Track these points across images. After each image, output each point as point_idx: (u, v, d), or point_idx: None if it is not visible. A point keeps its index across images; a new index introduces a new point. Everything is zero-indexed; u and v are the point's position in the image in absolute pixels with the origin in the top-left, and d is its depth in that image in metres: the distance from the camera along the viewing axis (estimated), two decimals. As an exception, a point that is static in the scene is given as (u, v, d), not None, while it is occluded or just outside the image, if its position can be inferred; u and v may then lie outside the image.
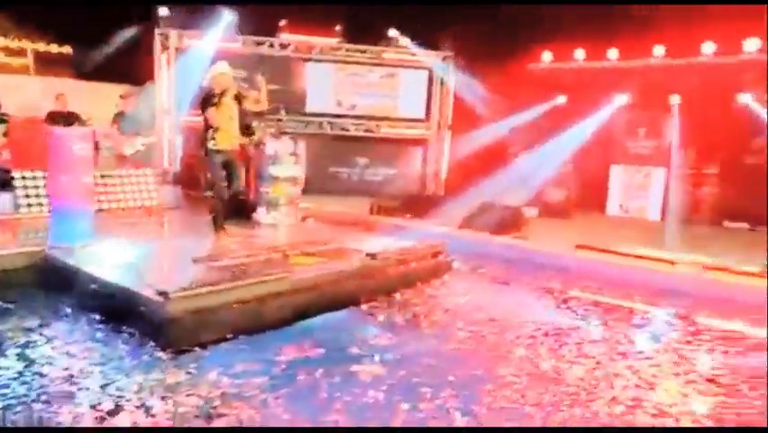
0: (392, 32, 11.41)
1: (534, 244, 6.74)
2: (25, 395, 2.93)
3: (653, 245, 6.76)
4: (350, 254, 5.24)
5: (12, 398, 2.90)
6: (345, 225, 7.15)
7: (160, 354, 3.49)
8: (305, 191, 10.64)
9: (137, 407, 2.86)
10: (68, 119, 8.44)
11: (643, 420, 2.91)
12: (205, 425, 2.74)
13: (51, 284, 4.49)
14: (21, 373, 3.17)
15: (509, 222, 7.51)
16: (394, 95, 11.71)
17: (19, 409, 2.78)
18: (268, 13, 10.93)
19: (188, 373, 3.27)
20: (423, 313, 4.60)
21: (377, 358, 3.63)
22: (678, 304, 4.91)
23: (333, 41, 11.35)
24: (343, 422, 2.81)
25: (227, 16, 10.73)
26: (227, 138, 5.69)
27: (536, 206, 10.04)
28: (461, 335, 4.16)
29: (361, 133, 11.66)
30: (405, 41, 11.31)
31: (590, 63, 10.89)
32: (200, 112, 5.81)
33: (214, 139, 5.65)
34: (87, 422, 2.70)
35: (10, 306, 4.16)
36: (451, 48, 11.56)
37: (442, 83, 11.71)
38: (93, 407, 2.83)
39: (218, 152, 5.67)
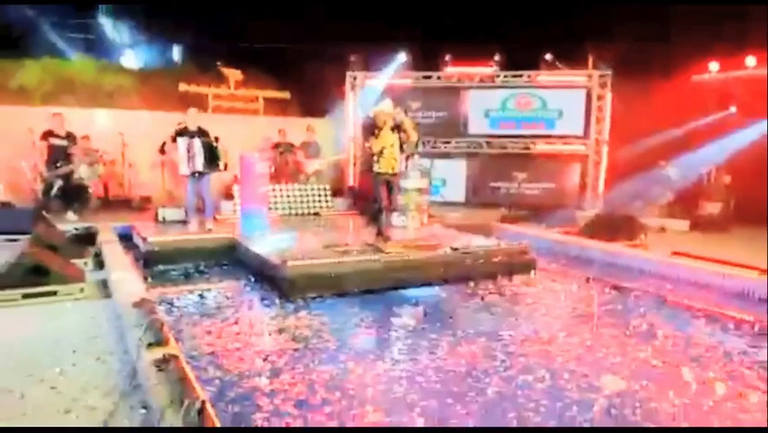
0: (548, 56, 12.23)
1: (623, 249, 7.16)
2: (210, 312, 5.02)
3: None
4: (440, 248, 6.58)
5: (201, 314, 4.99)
6: (466, 229, 8.39)
7: (279, 300, 5.36)
8: (465, 203, 12.11)
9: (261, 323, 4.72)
10: (287, 147, 11.33)
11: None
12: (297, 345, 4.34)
13: (234, 258, 6.78)
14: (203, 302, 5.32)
15: (624, 230, 7.92)
16: (551, 114, 12.46)
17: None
18: (435, 51, 12.72)
19: (294, 314, 5.03)
20: (485, 297, 5.74)
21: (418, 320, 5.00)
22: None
23: (492, 70, 12.60)
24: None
25: (401, 57, 12.79)
26: (386, 163, 6.93)
27: (687, 219, 9.90)
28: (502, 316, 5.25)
29: (518, 151, 12.62)
30: (560, 64, 12.05)
31: (761, 71, 10.28)
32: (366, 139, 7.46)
33: (378, 163, 6.93)
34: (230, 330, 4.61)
35: (206, 271, 6.52)
36: (608, 66, 11.90)
37: (599, 99, 12.08)
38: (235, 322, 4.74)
39: (379, 174, 6.98)
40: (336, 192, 11.46)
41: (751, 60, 10.49)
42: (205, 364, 3.72)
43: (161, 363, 3.11)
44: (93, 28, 13.31)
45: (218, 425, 2.51)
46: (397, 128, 6.92)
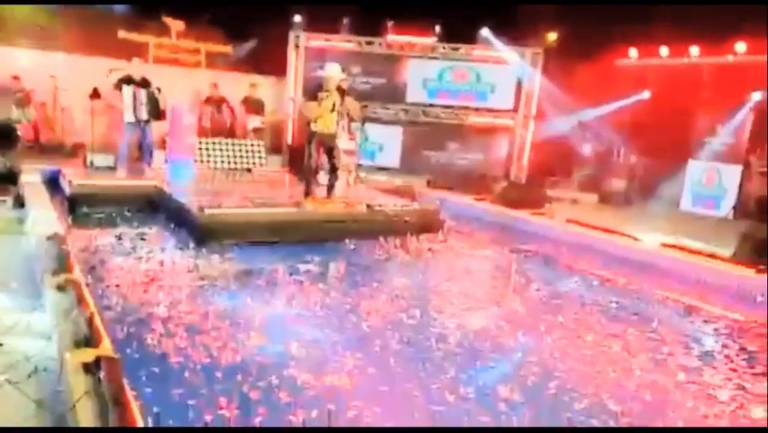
0: (484, 32, 12.70)
1: (525, 215, 7.81)
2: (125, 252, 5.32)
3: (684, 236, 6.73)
4: (357, 206, 7.03)
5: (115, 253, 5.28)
6: (390, 193, 8.85)
7: (193, 245, 5.70)
8: (399, 169, 12.54)
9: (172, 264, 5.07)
10: (218, 103, 11.44)
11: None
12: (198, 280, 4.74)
13: (157, 205, 7.03)
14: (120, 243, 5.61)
15: (531, 199, 8.59)
16: (483, 88, 13.00)
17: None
18: (377, 17, 12.94)
19: (206, 257, 5.39)
20: (388, 251, 6.25)
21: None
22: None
23: (432, 41, 12.96)
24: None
25: (344, 21, 12.97)
26: (323, 123, 7.11)
27: (597, 193, 10.74)
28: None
29: (452, 121, 13.14)
30: (495, 40, 12.54)
31: (673, 60, 11.07)
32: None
33: (315, 122, 7.12)
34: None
35: (129, 215, 6.76)
36: (539, 45, 12.50)
37: (528, 77, 12.69)
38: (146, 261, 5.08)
39: (315, 132, 7.14)
40: (273, 150, 11.69)
41: (664, 50, 11.27)
42: (109, 294, 4.06)
43: (62, 286, 3.44)
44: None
45: (106, 342, 2.87)
46: (342, 93, 7.21)
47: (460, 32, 12.77)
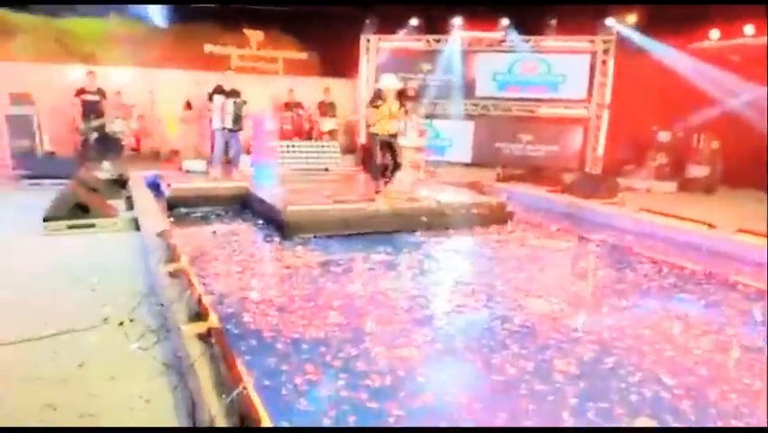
0: (552, 22, 12.64)
1: (595, 205, 7.83)
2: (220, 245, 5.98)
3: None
4: (426, 200, 7.38)
5: (212, 246, 5.96)
6: (459, 186, 9.13)
7: (279, 239, 6.28)
8: (471, 163, 12.78)
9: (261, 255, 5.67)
10: (296, 108, 12.18)
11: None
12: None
13: (246, 204, 7.72)
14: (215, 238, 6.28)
15: (603, 189, 8.57)
16: (554, 79, 12.93)
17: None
18: (444, 15, 13.21)
19: (290, 249, 5.95)
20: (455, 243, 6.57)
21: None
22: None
23: (500, 35, 13.06)
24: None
25: (413, 21, 13.34)
26: (381, 127, 7.85)
27: (676, 181, 10.47)
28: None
29: (523, 114, 13.18)
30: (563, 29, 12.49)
31: (758, 40, 10.56)
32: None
33: (374, 126, 7.86)
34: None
35: (221, 214, 7.47)
36: (610, 33, 12.30)
37: (602, 64, 12.50)
38: (239, 253, 5.70)
39: (376, 134, 7.89)
40: (348, 150, 12.26)
41: (750, 29, 10.77)
42: (209, 281, 4.66)
43: (173, 274, 4.05)
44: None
45: (213, 317, 3.41)
46: (401, 98, 7.89)
47: (528, 25, 12.80)
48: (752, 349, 3.74)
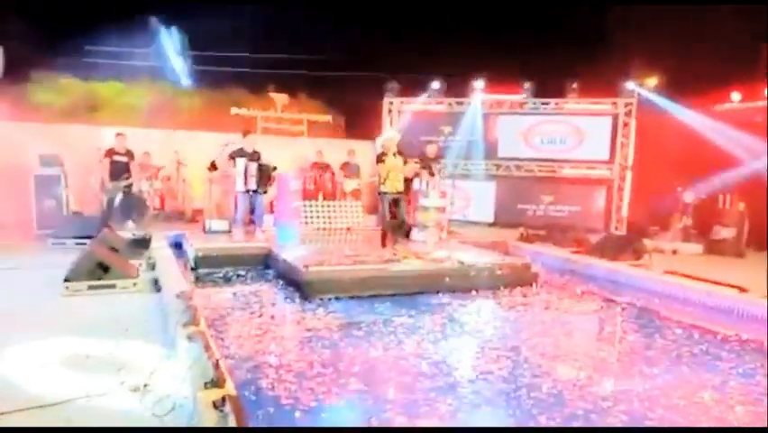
0: (574, 85, 12.82)
1: (621, 267, 7.66)
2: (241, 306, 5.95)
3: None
4: (449, 261, 7.31)
5: (233, 308, 5.92)
6: (482, 246, 9.05)
7: (300, 300, 6.23)
8: (494, 223, 12.73)
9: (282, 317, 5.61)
10: (323, 168, 12.40)
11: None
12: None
13: (268, 264, 7.73)
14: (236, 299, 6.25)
15: (629, 250, 8.40)
16: (576, 139, 13.00)
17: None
18: (467, 78, 13.54)
19: (311, 311, 5.88)
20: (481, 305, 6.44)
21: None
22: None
23: (521, 97, 13.28)
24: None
25: (435, 84, 13.67)
26: (391, 184, 8.32)
27: (702, 243, 10.25)
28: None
29: (545, 174, 13.20)
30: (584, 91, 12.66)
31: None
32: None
33: (383, 184, 8.30)
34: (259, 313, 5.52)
35: (244, 274, 7.48)
36: (631, 95, 12.42)
37: (624, 126, 12.55)
38: (260, 315, 5.65)
39: (385, 193, 8.24)
40: (370, 210, 12.33)
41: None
42: (228, 344, 4.60)
43: (191, 336, 4.00)
44: (154, 55, 14.75)
45: (229, 384, 3.33)
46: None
47: (549, 88, 13.02)
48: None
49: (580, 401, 3.70)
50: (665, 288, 6.74)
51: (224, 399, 3.03)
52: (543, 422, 3.39)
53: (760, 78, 10.93)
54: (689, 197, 10.70)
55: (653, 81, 12.32)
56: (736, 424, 3.44)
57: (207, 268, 7.64)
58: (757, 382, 4.17)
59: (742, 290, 6.23)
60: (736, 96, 11.42)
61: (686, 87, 11.66)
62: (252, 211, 9.27)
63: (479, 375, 4.18)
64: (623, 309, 6.27)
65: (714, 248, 10.10)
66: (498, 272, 7.25)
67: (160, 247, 7.74)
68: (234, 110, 13.10)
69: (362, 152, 13.35)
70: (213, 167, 11.23)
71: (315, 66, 14.28)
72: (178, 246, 8.42)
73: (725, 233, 10.21)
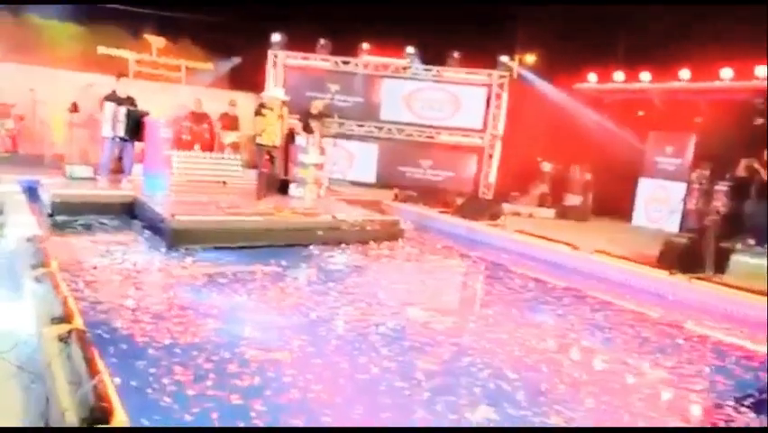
0: (455, 54, 13.42)
1: (478, 226, 8.41)
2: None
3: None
4: (322, 215, 7.55)
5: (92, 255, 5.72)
6: (359, 204, 9.36)
7: (165, 249, 6.16)
8: (375, 183, 13.08)
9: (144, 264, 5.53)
10: (201, 119, 11.96)
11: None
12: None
13: (134, 214, 7.49)
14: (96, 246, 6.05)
15: (488, 212, 9.19)
16: (453, 108, 13.69)
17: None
18: (354, 39, 13.62)
19: (178, 259, 5.85)
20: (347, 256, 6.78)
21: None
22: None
23: (405, 62, 13.64)
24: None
25: (322, 41, 13.62)
26: (267, 137, 8.42)
27: (555, 208, 11.41)
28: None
29: (424, 139, 13.78)
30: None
31: (627, 85, 11.84)
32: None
33: (260, 136, 8.35)
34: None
35: (107, 223, 7.21)
36: (506, 68, 13.26)
37: (497, 98, 13.40)
38: (121, 262, 5.53)
39: (261, 145, 8.29)
40: (251, 165, 12.16)
41: (620, 75, 12.04)
42: (82, 287, 4.51)
43: (39, 278, 3.91)
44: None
45: (77, 319, 3.33)
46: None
47: (432, 54, 13.48)
48: (587, 349, 4.22)
49: (418, 336, 4.15)
50: (513, 245, 7.51)
51: (69, 332, 3.06)
52: (383, 353, 3.77)
53: (614, 62, 12.15)
54: (546, 166, 11.79)
55: (531, 58, 13.21)
56: (541, 353, 4.06)
57: (66, 215, 7.24)
58: (569, 321, 4.89)
59: (574, 247, 7.13)
60: (592, 77, 12.60)
61: (556, 66, 12.64)
62: (121, 159, 8.84)
63: (334, 315, 4.49)
64: (474, 262, 6.92)
65: (563, 213, 11.28)
66: (368, 228, 7.61)
67: (9, 191, 7.20)
68: (102, 49, 12.13)
69: (244, 104, 13.00)
70: (74, 108, 10.43)
71: (199, 10, 13.58)
72: (32, 192, 7.86)
73: (573, 200, 11.44)
